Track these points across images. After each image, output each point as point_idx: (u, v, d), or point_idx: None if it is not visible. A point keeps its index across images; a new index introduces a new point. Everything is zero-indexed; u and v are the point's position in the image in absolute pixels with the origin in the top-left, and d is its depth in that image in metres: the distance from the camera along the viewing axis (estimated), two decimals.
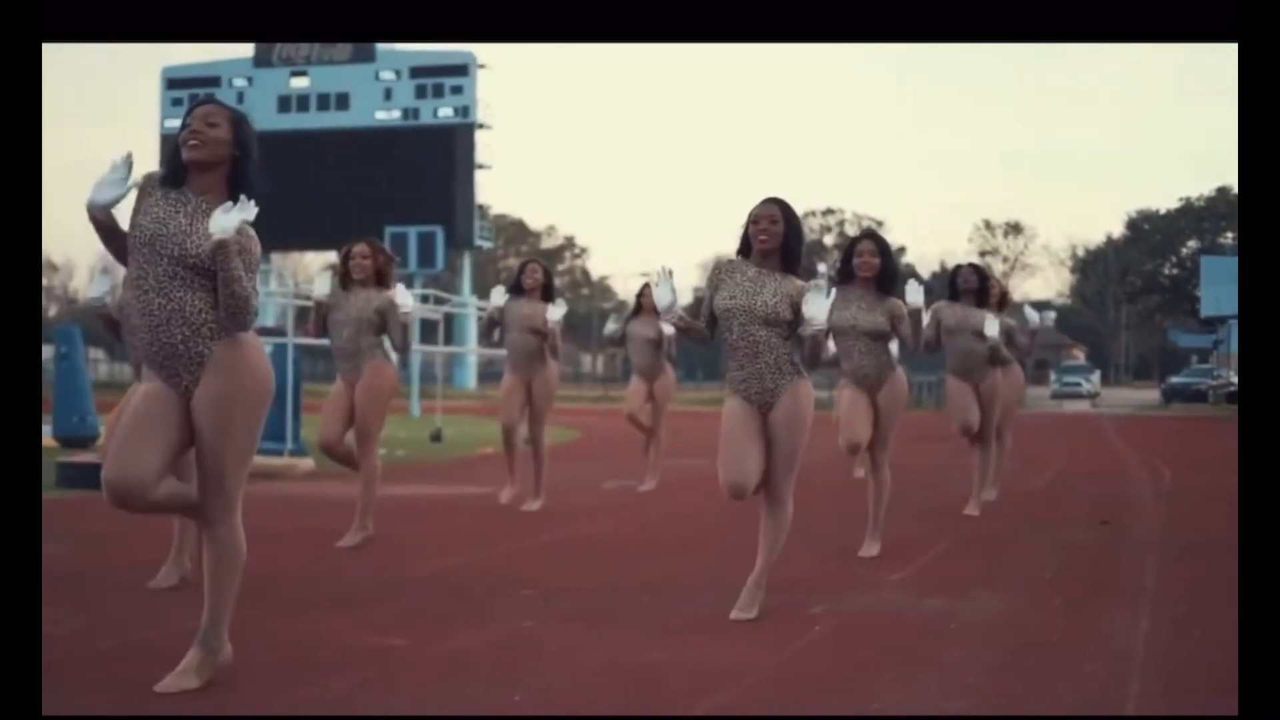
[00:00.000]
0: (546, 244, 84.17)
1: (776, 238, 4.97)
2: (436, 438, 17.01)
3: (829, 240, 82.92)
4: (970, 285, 8.34)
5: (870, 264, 6.45)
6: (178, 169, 3.78)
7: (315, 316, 7.16)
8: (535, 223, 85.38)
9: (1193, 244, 60.85)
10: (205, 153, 3.73)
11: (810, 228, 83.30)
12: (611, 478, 10.42)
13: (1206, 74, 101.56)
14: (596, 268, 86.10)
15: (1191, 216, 61.77)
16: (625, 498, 9.85)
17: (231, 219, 3.64)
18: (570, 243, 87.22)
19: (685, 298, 5.19)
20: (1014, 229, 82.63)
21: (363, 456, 6.97)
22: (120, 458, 3.68)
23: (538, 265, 8.76)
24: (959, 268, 8.59)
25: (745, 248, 5.10)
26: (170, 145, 3.84)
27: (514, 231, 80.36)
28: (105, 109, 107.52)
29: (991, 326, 8.04)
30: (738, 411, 5.01)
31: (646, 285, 10.10)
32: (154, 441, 3.69)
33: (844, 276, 6.52)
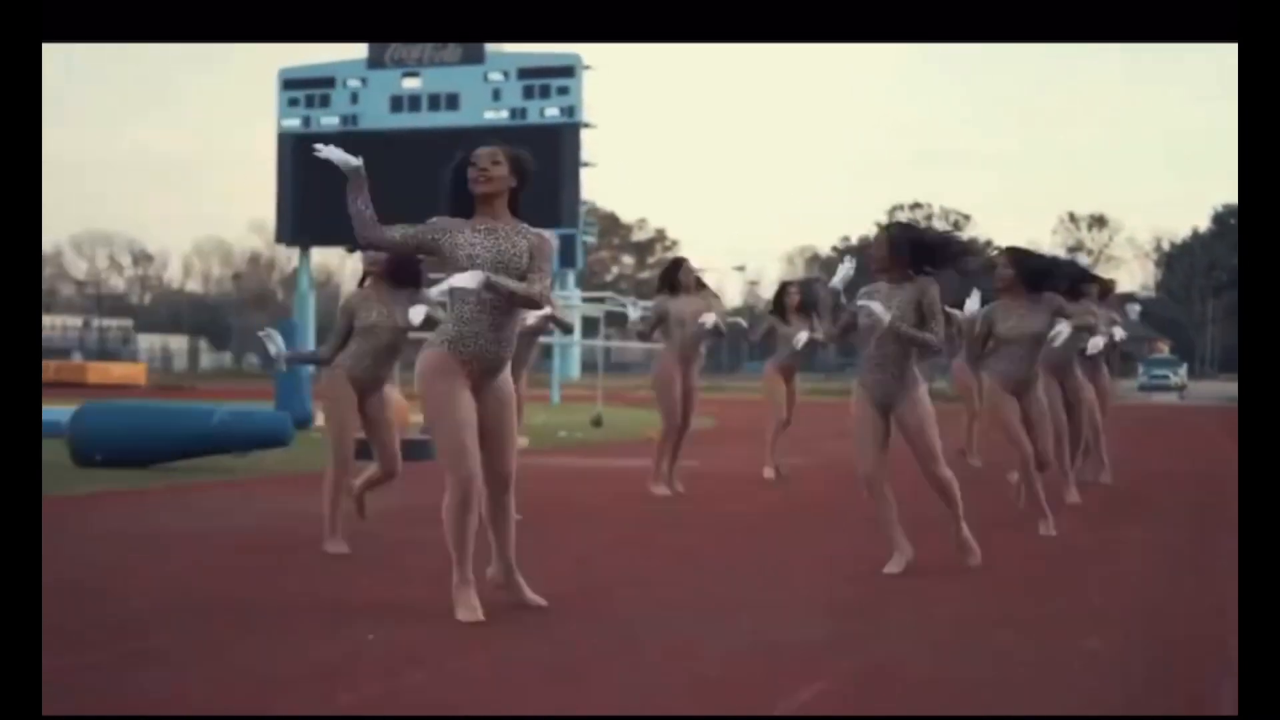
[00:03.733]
0: (638, 236, 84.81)
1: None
2: (598, 423, 17.93)
3: None
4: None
5: (879, 258, 5.74)
6: (459, 202, 4.61)
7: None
8: (627, 216, 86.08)
9: None
10: (490, 187, 4.54)
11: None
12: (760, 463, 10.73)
13: None
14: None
15: None
16: (790, 479, 10.47)
17: (471, 281, 4.41)
18: (661, 235, 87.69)
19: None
20: (1098, 221, 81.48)
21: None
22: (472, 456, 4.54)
23: None
24: (1008, 250, 7.34)
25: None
26: (452, 183, 4.61)
27: (607, 224, 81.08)
28: (174, 100, 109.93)
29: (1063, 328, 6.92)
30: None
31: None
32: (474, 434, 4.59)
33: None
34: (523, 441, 11.60)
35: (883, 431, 5.66)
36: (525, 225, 4.63)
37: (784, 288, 10.63)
